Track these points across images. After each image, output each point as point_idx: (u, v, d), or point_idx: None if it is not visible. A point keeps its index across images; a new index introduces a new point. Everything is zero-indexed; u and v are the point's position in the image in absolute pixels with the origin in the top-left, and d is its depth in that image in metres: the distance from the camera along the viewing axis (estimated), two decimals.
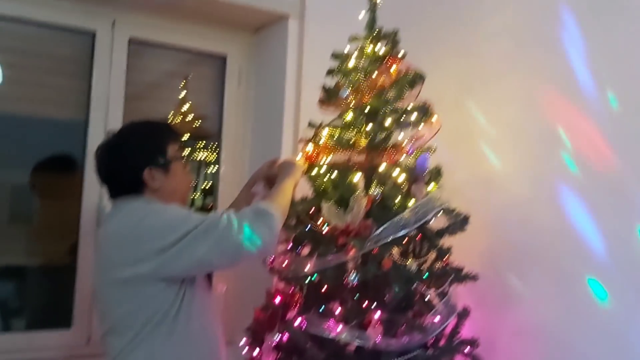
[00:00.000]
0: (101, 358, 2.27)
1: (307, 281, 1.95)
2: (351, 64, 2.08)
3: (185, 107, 2.97)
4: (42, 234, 2.63)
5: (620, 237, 1.86)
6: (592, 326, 1.91)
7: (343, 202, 1.92)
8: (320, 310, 1.89)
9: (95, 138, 2.56)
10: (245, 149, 2.94)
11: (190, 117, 2.99)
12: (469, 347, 1.92)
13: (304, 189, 2.11)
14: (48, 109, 2.62)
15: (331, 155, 2.05)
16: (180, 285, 1.69)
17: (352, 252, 1.83)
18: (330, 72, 2.13)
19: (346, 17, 2.51)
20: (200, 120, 3.00)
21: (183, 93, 2.96)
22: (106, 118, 2.61)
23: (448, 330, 1.92)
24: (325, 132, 2.07)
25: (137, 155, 1.77)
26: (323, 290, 1.91)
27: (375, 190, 1.91)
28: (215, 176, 2.99)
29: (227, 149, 2.92)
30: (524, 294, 2.12)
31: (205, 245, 1.60)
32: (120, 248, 1.66)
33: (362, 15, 2.17)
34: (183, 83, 2.96)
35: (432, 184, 1.98)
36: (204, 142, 3.06)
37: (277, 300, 2.02)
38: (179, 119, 2.98)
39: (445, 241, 1.97)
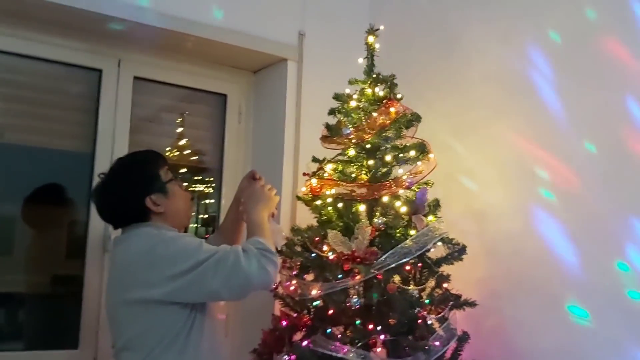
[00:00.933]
0: None
1: (313, 305, 2.08)
2: (353, 104, 2.26)
3: (183, 142, 3.10)
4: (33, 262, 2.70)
5: (599, 265, 2.06)
6: (577, 349, 2.09)
7: (348, 231, 2.08)
8: (327, 332, 2.01)
9: (101, 169, 2.66)
10: None
11: (189, 152, 3.12)
12: None
13: (309, 219, 2.26)
14: (57, 141, 2.74)
15: (335, 188, 2.20)
16: (192, 308, 1.77)
17: (357, 278, 1.97)
18: (332, 112, 2.31)
19: (342, 61, 2.73)
20: (199, 155, 3.13)
21: (181, 129, 3.09)
22: (112, 150, 2.74)
23: (449, 353, 2.06)
24: (329, 166, 2.23)
25: (136, 187, 1.85)
26: (329, 313, 2.04)
27: (379, 220, 2.06)
28: (216, 209, 3.11)
29: (227, 183, 3.05)
30: (519, 322, 2.29)
31: (216, 279, 1.67)
32: (132, 272, 1.74)
33: (361, 60, 2.36)
34: (180, 119, 3.09)
35: (431, 215, 2.15)
36: (203, 175, 3.18)
37: (284, 323, 2.14)
38: (177, 153, 3.11)
39: (444, 269, 2.13)
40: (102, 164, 2.69)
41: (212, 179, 3.14)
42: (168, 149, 3.06)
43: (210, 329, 1.85)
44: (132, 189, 1.85)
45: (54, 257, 2.72)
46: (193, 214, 3.13)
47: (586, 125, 2.19)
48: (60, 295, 2.70)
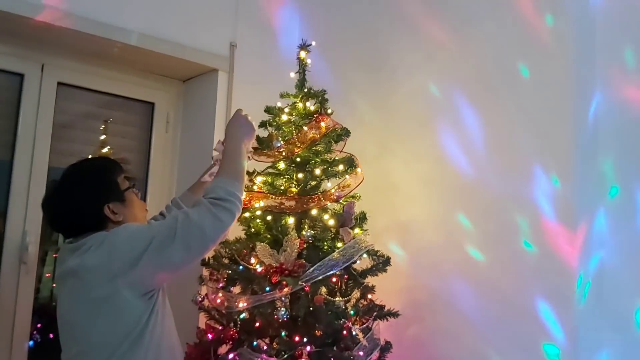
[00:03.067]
0: None
1: (240, 317, 2.12)
2: (284, 117, 2.33)
3: (106, 149, 3.06)
4: None
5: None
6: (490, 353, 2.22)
7: (276, 244, 2.13)
8: (253, 345, 2.05)
9: (19, 178, 2.64)
10: (171, 194, 3.07)
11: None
12: None
13: (237, 231, 2.30)
14: None
15: (264, 200, 2.25)
16: (155, 301, 1.75)
17: (285, 290, 2.02)
18: (263, 124, 2.36)
19: (273, 73, 2.81)
20: (123, 164, 3.09)
21: (103, 136, 3.06)
22: (32, 158, 2.69)
23: None
24: (259, 179, 2.29)
25: (93, 196, 1.81)
26: (256, 325, 2.08)
27: (307, 233, 2.13)
28: None
29: (152, 193, 3.06)
30: (438, 331, 2.41)
31: (174, 245, 1.67)
32: (94, 270, 1.69)
33: (293, 75, 2.43)
34: (103, 127, 3.06)
35: (358, 228, 2.24)
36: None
37: (210, 336, 2.17)
38: None
39: (369, 280, 2.22)
40: (21, 173, 2.66)
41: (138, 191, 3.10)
42: (90, 157, 3.01)
43: (169, 327, 1.86)
44: (90, 198, 1.81)
45: None
46: None
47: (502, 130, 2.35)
48: None
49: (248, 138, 2.02)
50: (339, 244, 2.15)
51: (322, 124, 2.28)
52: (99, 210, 1.80)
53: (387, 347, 2.22)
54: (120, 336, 1.69)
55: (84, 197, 1.80)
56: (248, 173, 2.30)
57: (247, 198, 2.24)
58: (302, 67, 2.43)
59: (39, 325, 2.72)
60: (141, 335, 1.71)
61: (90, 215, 1.80)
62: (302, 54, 2.41)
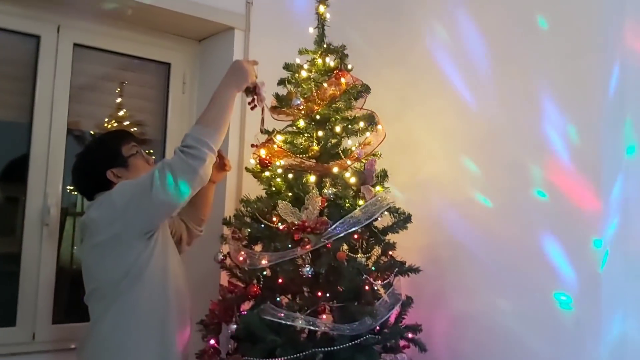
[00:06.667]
0: (45, 354, 2.60)
1: (262, 274, 2.21)
2: (303, 74, 2.38)
3: (123, 112, 3.14)
4: None
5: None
6: (518, 310, 2.32)
7: (298, 202, 2.21)
8: (276, 301, 2.15)
9: (39, 139, 2.73)
10: None
11: (129, 122, 3.17)
12: (412, 332, 2.25)
13: (256, 190, 2.39)
14: None
15: (284, 159, 2.32)
16: (153, 243, 2.07)
17: (308, 247, 2.11)
18: (282, 82, 2.43)
19: (291, 30, 2.84)
20: (140, 126, 3.19)
21: (119, 99, 3.13)
22: (50, 120, 2.78)
23: (393, 317, 2.23)
24: (279, 137, 2.35)
25: (97, 162, 2.21)
26: (278, 282, 2.17)
27: (328, 191, 2.21)
28: None
29: (170, 155, 3.08)
30: (458, 286, 2.50)
31: (154, 187, 1.93)
32: (97, 221, 2.05)
33: (312, 30, 2.47)
34: (119, 89, 3.13)
35: (379, 186, 2.31)
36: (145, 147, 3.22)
37: (232, 293, 2.27)
38: (116, 124, 3.15)
39: (390, 237, 2.30)
40: (40, 134, 2.74)
41: (151, 151, 3.19)
42: (107, 119, 3.09)
43: (175, 274, 2.17)
44: (95, 163, 2.21)
45: None
46: None
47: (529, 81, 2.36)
48: None
49: (236, 85, 2.19)
50: (361, 202, 2.22)
51: (342, 80, 2.33)
52: (102, 174, 2.18)
53: (408, 302, 2.31)
54: (121, 274, 2.02)
55: (90, 164, 2.24)
56: (268, 132, 2.38)
57: (268, 156, 2.32)
58: (321, 22, 2.46)
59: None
60: (140, 274, 2.04)
61: (96, 179, 2.19)
62: (321, 8, 2.44)
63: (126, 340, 2.03)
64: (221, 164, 2.44)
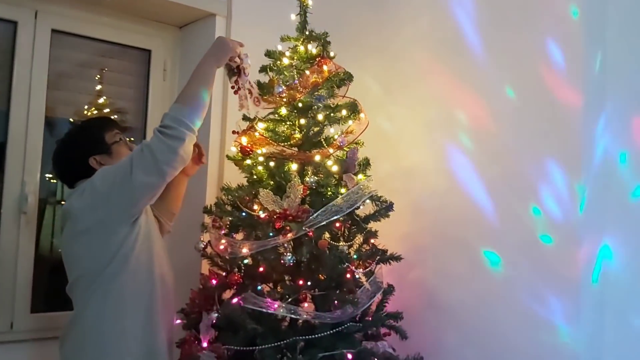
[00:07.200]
0: (24, 343, 2.59)
1: (244, 263, 2.21)
2: (285, 61, 2.37)
3: (103, 100, 3.10)
4: None
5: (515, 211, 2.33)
6: (491, 294, 2.36)
7: (279, 190, 2.21)
8: (257, 289, 2.15)
9: (16, 127, 2.70)
10: None
11: (109, 110, 3.13)
12: (393, 320, 2.26)
13: (238, 178, 2.38)
14: None
15: (266, 147, 2.32)
16: (138, 228, 2.06)
17: (289, 235, 2.11)
18: (264, 69, 2.41)
19: (272, 17, 2.82)
20: (121, 113, 3.16)
21: (99, 86, 3.10)
22: (28, 107, 2.74)
23: (374, 305, 2.25)
24: (260, 125, 2.35)
25: (80, 149, 2.18)
26: (260, 270, 2.17)
27: (310, 179, 2.21)
28: None
29: None
30: (439, 274, 2.53)
31: (134, 171, 1.94)
32: (82, 206, 2.03)
33: (294, 17, 2.46)
34: (99, 76, 3.10)
35: (361, 174, 2.32)
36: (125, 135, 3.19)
37: (214, 282, 2.26)
38: (95, 111, 3.12)
39: (372, 226, 2.31)
40: (18, 122, 2.71)
41: (132, 138, 3.15)
42: (86, 106, 3.06)
43: (160, 258, 2.16)
44: (77, 150, 2.18)
45: None
46: None
47: (509, 73, 2.40)
48: None
49: (216, 58, 2.17)
50: (343, 190, 2.22)
51: (325, 68, 2.33)
52: (85, 161, 2.15)
53: (389, 290, 2.33)
54: (107, 259, 2.01)
55: (73, 151, 2.19)
56: (250, 119, 2.37)
57: (249, 144, 2.31)
58: (303, 9, 2.46)
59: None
60: (126, 258, 2.03)
61: (79, 166, 2.15)
62: None
63: (112, 326, 2.01)
64: (197, 157, 2.41)
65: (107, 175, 2.02)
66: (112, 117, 3.08)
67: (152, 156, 1.94)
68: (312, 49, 2.39)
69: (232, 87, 2.29)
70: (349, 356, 2.07)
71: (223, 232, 2.28)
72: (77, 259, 2.09)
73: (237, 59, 2.22)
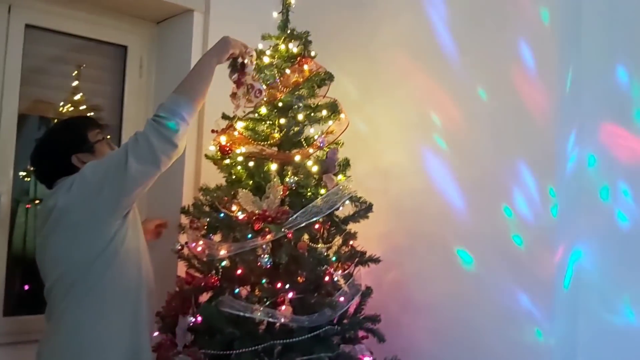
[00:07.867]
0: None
1: (221, 265, 2.18)
2: (266, 60, 2.35)
3: (79, 97, 3.06)
4: None
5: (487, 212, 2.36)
6: (465, 294, 2.39)
7: (259, 191, 2.19)
8: (235, 292, 2.13)
9: None
10: None
11: (85, 107, 3.08)
12: (371, 323, 2.25)
13: (216, 178, 2.35)
14: None
15: (245, 146, 2.29)
16: (127, 220, 2.05)
17: (268, 237, 2.09)
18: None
19: (251, 14, 2.80)
20: (96, 110, 3.11)
21: (76, 82, 3.04)
22: (0, 105, 2.69)
23: (352, 308, 2.24)
24: (240, 124, 2.32)
25: (61, 147, 2.14)
26: (237, 273, 2.15)
27: (290, 179, 2.19)
28: None
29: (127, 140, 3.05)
30: (417, 275, 2.54)
31: (129, 161, 1.93)
32: (71, 201, 1.98)
33: (276, 15, 2.44)
34: (76, 72, 3.05)
35: (341, 175, 2.30)
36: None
37: (190, 285, 2.24)
38: (71, 108, 3.07)
39: (351, 227, 2.31)
40: None
41: (109, 137, 3.11)
42: (62, 103, 3.01)
43: (145, 254, 2.16)
44: (59, 148, 2.15)
45: None
46: None
47: (482, 75, 2.43)
48: None
49: (217, 54, 2.16)
50: (322, 191, 2.21)
51: (306, 67, 2.31)
52: (67, 159, 2.11)
53: (367, 292, 2.32)
54: (95, 253, 1.98)
55: (54, 149, 2.16)
56: (229, 118, 2.34)
57: (228, 143, 2.28)
58: (285, 7, 2.43)
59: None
60: (116, 253, 2.01)
61: (60, 164, 2.11)
62: None
63: (98, 324, 1.98)
64: (157, 230, 2.49)
65: (98, 166, 2.00)
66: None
67: (147, 144, 1.94)
68: (293, 47, 2.37)
69: (235, 82, 2.26)
70: None
71: (201, 233, 2.25)
72: (60, 257, 2.02)
73: (242, 57, 2.22)
